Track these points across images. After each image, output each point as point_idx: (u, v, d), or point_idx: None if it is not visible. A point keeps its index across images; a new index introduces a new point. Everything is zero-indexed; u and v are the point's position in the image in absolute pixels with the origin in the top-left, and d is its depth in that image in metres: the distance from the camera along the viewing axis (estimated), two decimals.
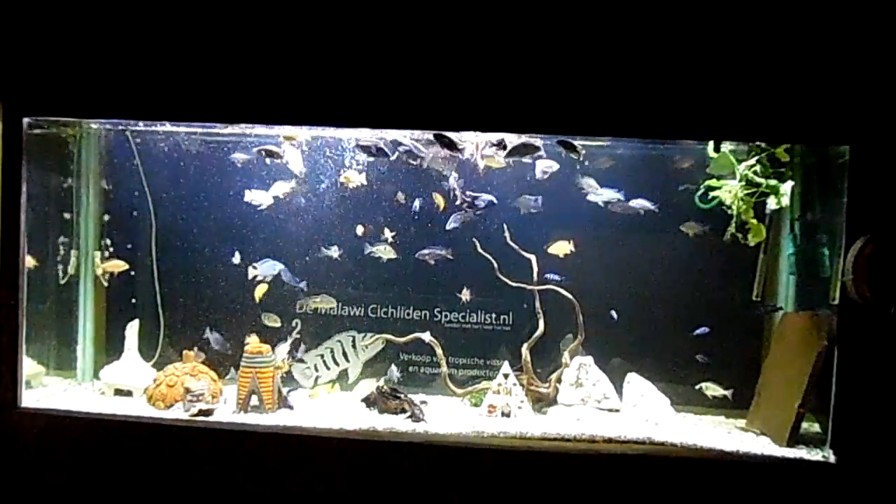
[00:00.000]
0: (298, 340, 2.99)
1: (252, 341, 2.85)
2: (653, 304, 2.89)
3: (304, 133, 2.87)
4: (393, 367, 2.98)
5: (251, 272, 2.99)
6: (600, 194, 2.82)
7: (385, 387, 2.79)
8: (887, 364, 2.25)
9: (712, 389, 2.80)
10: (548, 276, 2.87)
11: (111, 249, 3.06)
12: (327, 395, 2.97)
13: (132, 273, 3.07)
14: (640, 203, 2.82)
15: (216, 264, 3.04)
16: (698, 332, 2.82)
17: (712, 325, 2.84)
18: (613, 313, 2.87)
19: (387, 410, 2.72)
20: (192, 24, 2.45)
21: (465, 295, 2.95)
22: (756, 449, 2.43)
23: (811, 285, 2.68)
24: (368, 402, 2.79)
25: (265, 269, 2.99)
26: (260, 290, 3.00)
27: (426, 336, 2.91)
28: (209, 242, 3.04)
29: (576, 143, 2.71)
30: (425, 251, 2.94)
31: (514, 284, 2.87)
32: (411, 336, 2.92)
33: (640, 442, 2.47)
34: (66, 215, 3.00)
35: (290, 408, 2.73)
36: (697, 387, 2.82)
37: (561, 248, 2.86)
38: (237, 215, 3.01)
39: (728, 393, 2.79)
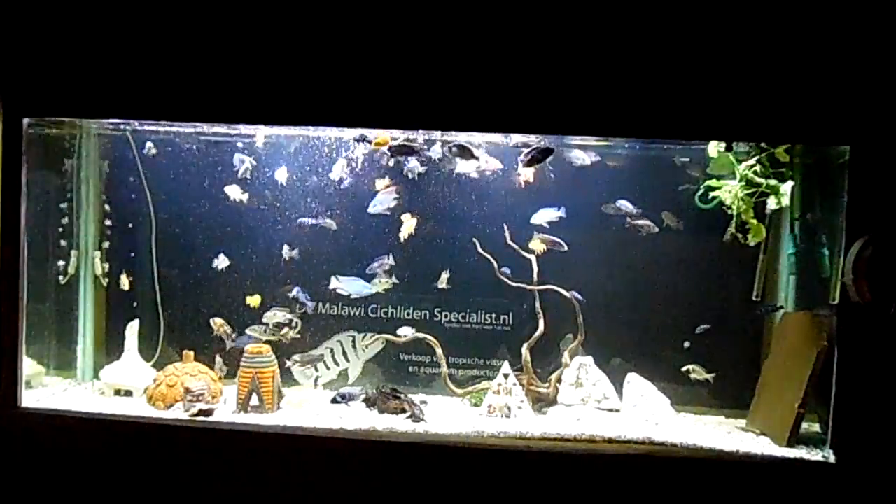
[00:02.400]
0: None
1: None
2: (653, 304, 2.89)
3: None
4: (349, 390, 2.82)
5: (333, 283, 2.90)
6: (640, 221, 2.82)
7: (385, 387, 2.79)
8: (887, 364, 2.25)
9: (697, 373, 2.81)
10: (504, 269, 2.87)
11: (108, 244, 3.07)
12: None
13: (132, 272, 3.07)
14: (623, 204, 2.82)
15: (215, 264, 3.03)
16: (699, 329, 2.83)
17: (712, 325, 2.84)
18: (577, 295, 2.84)
19: (387, 410, 2.72)
20: (192, 24, 2.44)
21: (443, 281, 2.92)
22: (756, 449, 2.43)
23: (811, 285, 2.68)
24: (368, 402, 2.79)
25: (353, 287, 2.85)
26: (254, 300, 2.98)
27: (407, 331, 2.89)
28: (209, 242, 3.04)
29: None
30: (305, 220, 2.90)
31: (513, 284, 2.87)
32: (411, 336, 2.92)
33: (640, 442, 2.47)
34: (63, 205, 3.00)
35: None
36: (684, 369, 2.82)
37: (537, 244, 2.85)
38: (236, 214, 3.00)
39: (710, 377, 2.80)
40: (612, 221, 2.86)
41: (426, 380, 2.99)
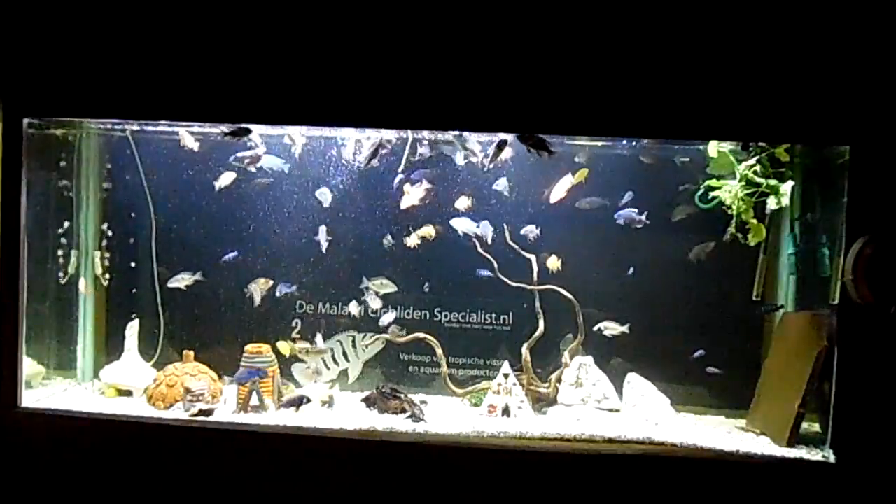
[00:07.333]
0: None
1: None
2: (653, 304, 2.89)
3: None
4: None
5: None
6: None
7: (385, 387, 2.79)
8: (887, 364, 2.25)
9: (610, 329, 2.82)
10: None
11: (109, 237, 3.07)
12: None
13: (132, 271, 3.07)
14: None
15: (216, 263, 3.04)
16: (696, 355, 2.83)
17: (712, 325, 2.84)
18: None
19: (387, 410, 2.72)
20: (191, 24, 2.45)
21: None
22: (756, 449, 2.43)
23: (811, 285, 2.68)
24: (368, 402, 2.79)
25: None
26: (284, 348, 2.96)
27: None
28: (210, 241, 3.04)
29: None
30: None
31: (513, 284, 2.87)
32: (411, 336, 2.92)
33: (640, 442, 2.47)
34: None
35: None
36: (596, 328, 2.83)
37: (552, 263, 2.84)
38: (236, 214, 3.00)
39: (625, 328, 2.80)
40: (610, 221, 2.86)
41: (426, 380, 3.00)
